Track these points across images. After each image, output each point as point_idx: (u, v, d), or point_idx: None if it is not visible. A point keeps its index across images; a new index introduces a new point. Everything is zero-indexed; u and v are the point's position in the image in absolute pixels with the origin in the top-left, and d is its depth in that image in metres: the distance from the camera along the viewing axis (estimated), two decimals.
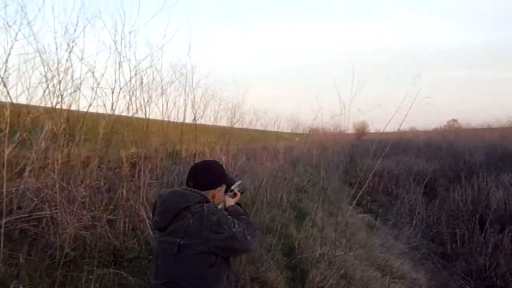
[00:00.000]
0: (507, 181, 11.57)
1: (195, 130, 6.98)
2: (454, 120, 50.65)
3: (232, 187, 2.63)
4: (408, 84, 5.34)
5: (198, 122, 7.29)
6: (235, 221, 2.20)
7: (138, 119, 5.87)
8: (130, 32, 5.11)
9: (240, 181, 2.80)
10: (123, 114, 5.46)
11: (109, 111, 5.07)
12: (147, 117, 5.97)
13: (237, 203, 2.60)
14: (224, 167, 2.67)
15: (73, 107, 4.84)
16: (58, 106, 4.54)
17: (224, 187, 2.49)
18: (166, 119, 6.63)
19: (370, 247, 6.88)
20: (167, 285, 2.07)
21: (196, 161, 6.95)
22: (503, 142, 18.25)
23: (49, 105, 4.55)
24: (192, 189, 2.27)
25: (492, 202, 9.88)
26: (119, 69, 5.10)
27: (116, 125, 5.23)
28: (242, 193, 2.79)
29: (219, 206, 2.38)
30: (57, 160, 4.18)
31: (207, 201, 2.26)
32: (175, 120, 7.02)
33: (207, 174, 2.38)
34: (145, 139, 5.89)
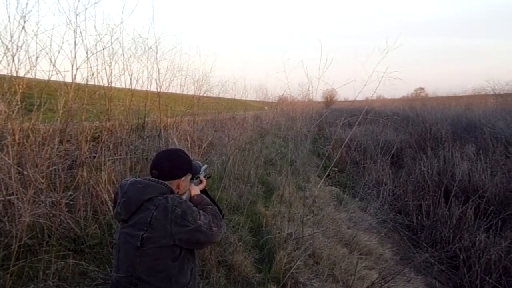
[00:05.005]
0: (471, 152, 11.82)
1: (159, 102, 6.78)
2: (421, 89, 51.78)
3: (198, 174, 2.59)
4: (377, 59, 5.34)
5: (164, 90, 7.14)
6: (201, 212, 2.17)
7: (101, 87, 5.64)
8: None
9: (206, 166, 2.77)
10: (84, 82, 5.26)
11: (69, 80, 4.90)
12: (110, 84, 5.78)
13: (203, 190, 2.57)
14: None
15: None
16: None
17: (189, 176, 2.43)
18: (129, 87, 6.43)
19: (338, 222, 6.90)
20: (129, 279, 2.02)
21: (163, 135, 6.85)
22: (468, 113, 18.54)
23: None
24: (156, 179, 2.19)
25: (457, 173, 10.07)
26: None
27: (78, 93, 5.05)
28: (208, 178, 2.75)
29: (184, 196, 2.34)
30: (14, 136, 3.95)
31: (171, 192, 2.21)
32: (141, 88, 6.83)
33: (172, 164, 2.29)
34: (108, 108, 5.67)
